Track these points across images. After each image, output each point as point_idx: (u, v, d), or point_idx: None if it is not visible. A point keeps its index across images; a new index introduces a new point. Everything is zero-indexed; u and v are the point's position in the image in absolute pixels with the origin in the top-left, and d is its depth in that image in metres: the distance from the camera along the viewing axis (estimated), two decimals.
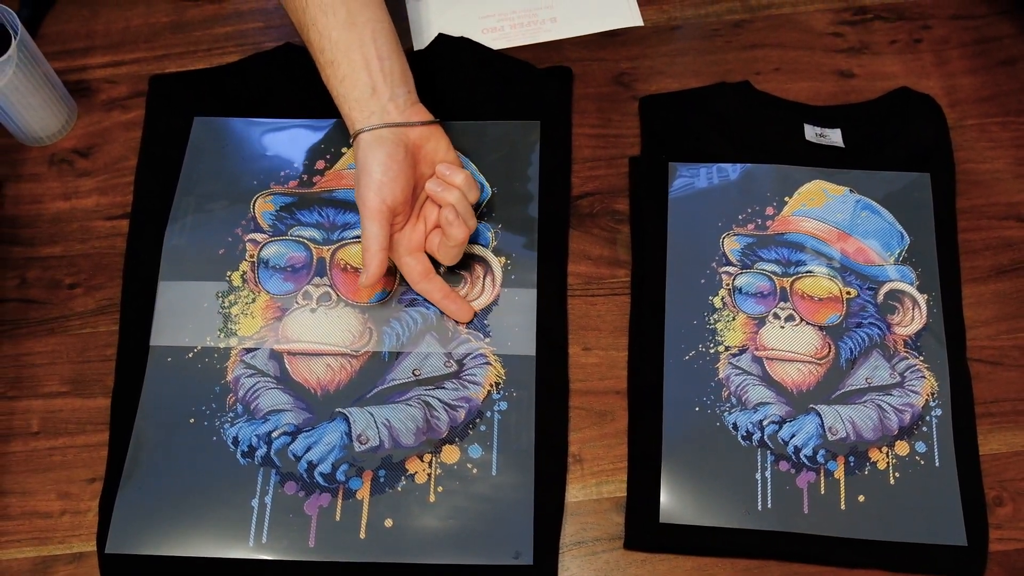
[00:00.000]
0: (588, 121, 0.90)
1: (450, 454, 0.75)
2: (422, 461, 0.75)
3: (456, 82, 0.90)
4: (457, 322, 0.79)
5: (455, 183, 0.75)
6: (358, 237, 0.83)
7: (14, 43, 0.79)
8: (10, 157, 0.89)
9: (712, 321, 0.79)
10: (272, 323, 0.80)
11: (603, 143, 0.89)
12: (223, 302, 0.81)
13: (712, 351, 0.78)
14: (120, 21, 0.97)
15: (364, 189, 0.72)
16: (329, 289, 0.81)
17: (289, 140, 0.87)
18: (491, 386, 0.77)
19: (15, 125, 0.86)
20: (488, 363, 0.78)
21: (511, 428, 0.76)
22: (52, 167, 0.89)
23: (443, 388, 0.77)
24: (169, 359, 0.79)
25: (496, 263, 0.82)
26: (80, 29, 0.96)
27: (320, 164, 0.86)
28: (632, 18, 0.96)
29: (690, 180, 0.85)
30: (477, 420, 0.76)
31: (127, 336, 0.80)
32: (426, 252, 0.78)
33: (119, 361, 0.80)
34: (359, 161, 0.73)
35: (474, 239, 0.82)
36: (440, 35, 0.93)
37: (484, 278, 0.81)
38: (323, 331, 0.79)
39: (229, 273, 0.82)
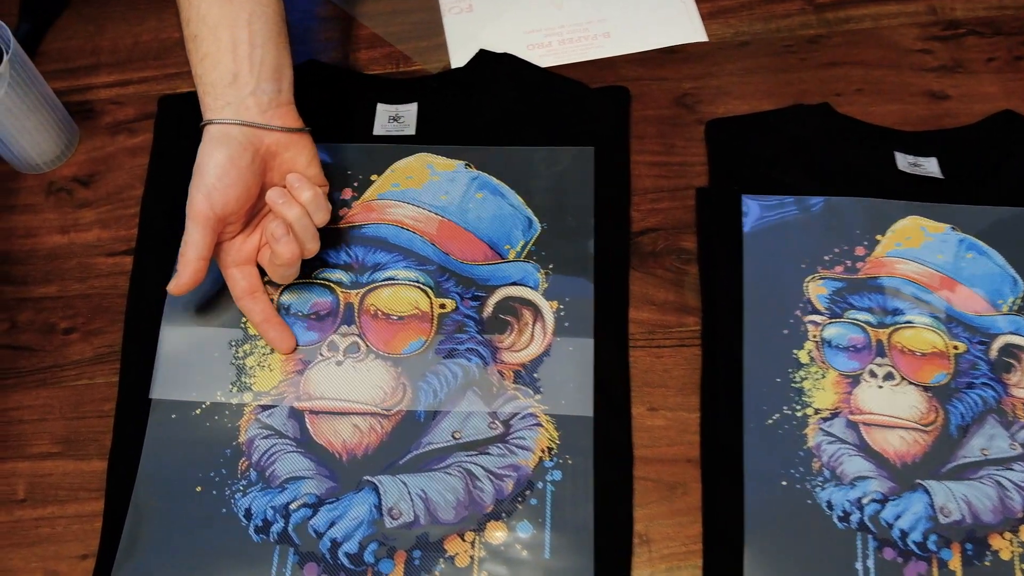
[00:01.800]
0: (648, 147, 0.81)
1: (496, 532, 0.65)
2: (463, 540, 0.65)
3: (499, 103, 0.81)
4: (503, 376, 0.69)
5: (300, 199, 0.67)
6: (392, 279, 0.74)
7: (5, 59, 0.71)
8: (3, 186, 0.81)
9: (798, 379, 0.69)
10: (292, 377, 0.71)
11: (666, 172, 0.80)
12: (237, 352, 0.72)
13: (799, 414, 0.68)
14: (128, 37, 0.89)
15: (193, 189, 0.65)
16: (358, 339, 0.72)
17: None
18: (543, 452, 0.68)
19: (8, 150, 0.78)
20: (539, 424, 0.69)
21: (566, 502, 0.66)
22: (49, 197, 0.81)
23: (487, 454, 0.68)
24: (174, 416, 0.70)
25: (547, 308, 0.72)
26: (85, 45, 0.89)
27: (347, 193, 0.78)
28: (695, 33, 0.87)
29: (766, 214, 0.75)
30: (527, 492, 0.67)
31: (127, 389, 0.72)
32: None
33: (117, 418, 0.71)
34: (198, 155, 0.66)
35: (522, 280, 0.73)
36: (481, 51, 0.84)
37: (533, 325, 0.72)
38: (350, 387, 0.70)
39: (244, 321, 0.73)
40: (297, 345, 0.72)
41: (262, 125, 0.66)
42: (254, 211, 0.70)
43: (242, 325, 0.73)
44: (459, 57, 0.86)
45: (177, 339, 0.72)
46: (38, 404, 0.73)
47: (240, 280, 0.70)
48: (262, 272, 0.72)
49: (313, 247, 0.69)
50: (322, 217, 0.69)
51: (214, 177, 0.65)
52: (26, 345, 0.75)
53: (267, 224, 0.67)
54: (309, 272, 0.75)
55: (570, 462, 0.68)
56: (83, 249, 0.79)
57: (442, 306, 0.73)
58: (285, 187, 0.68)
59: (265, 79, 0.66)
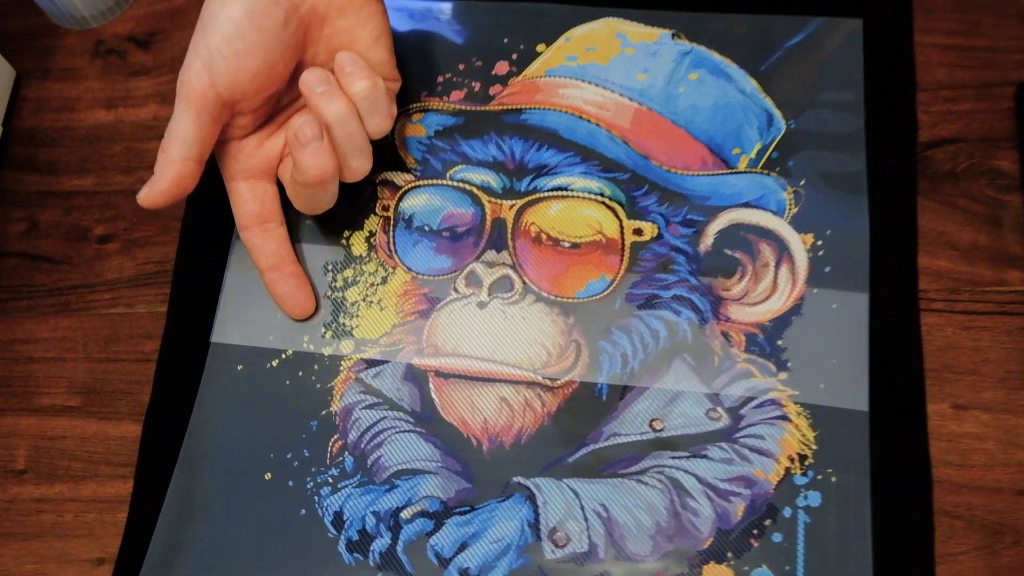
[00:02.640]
0: (941, 24, 0.56)
1: None
2: None
3: None
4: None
5: (350, 89, 0.45)
6: (564, 189, 0.50)
7: None
8: (38, 44, 0.60)
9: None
10: (413, 321, 0.48)
11: (968, 60, 0.55)
12: (335, 280, 0.49)
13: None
14: None
15: (191, 54, 0.44)
16: (511, 272, 0.48)
17: (455, 26, 0.55)
18: (791, 461, 0.44)
19: None
20: (785, 418, 0.45)
21: (829, 542, 0.42)
22: (95, 60, 0.59)
23: (705, 457, 0.44)
24: (240, 368, 0.48)
25: (798, 244, 0.48)
26: None
27: (502, 68, 0.54)
28: None
29: None
30: (767, 522, 0.43)
31: (179, 325, 0.50)
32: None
33: (162, 365, 0.49)
34: (205, 4, 0.45)
35: (759, 201, 0.49)
36: None
37: (776, 268, 0.48)
38: (498, 341, 0.47)
39: (347, 234, 0.50)
40: (317, 309, 0.49)
41: None
42: (281, 101, 0.48)
43: (344, 241, 0.51)
44: None
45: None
46: (55, 337, 0.52)
47: (248, 201, 0.48)
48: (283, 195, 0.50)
49: (359, 167, 0.46)
50: (379, 124, 0.46)
51: (222, 39, 0.43)
52: (47, 255, 0.54)
53: (293, 120, 0.44)
54: (442, 171, 0.51)
55: (834, 480, 0.44)
56: (134, 130, 0.57)
57: (637, 232, 0.49)
58: (332, 71, 0.45)
59: None
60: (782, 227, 0.49)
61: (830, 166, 0.50)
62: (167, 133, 0.45)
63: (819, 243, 0.48)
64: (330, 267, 0.51)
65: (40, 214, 0.56)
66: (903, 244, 0.49)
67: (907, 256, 0.49)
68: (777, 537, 0.43)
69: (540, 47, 0.55)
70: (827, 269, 0.48)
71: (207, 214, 0.52)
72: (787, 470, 0.44)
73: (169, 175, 0.44)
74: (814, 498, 0.44)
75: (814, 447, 0.44)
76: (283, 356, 0.49)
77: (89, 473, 0.49)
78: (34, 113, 0.59)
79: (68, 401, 0.50)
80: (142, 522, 0.46)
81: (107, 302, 0.53)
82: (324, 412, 0.47)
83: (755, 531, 0.43)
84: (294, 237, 0.51)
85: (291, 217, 0.51)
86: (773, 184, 0.50)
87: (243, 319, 0.50)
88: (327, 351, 0.49)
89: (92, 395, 0.50)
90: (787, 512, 0.43)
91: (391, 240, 0.51)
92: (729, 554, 0.43)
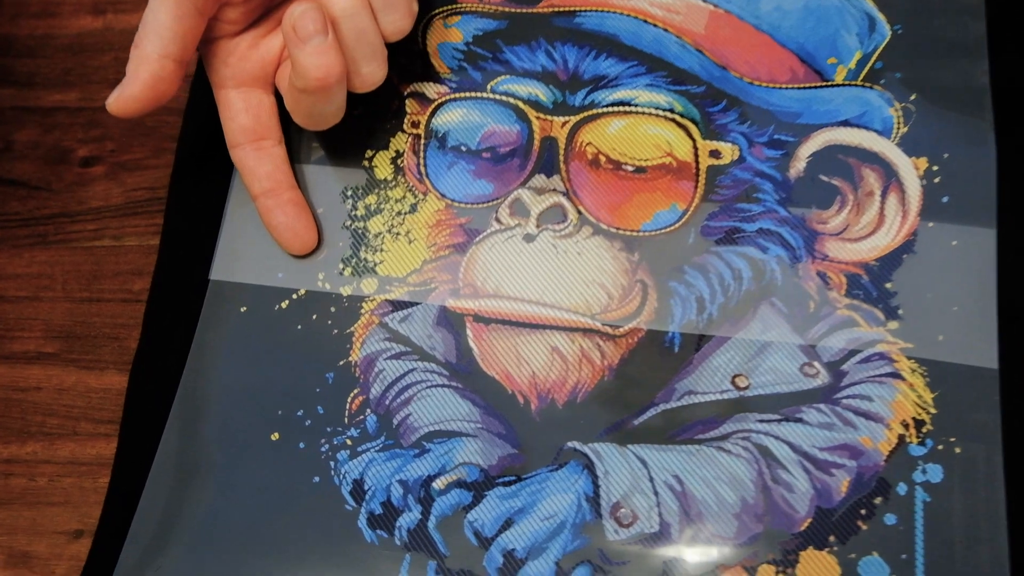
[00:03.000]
0: None
1: (814, 572, 0.34)
2: None
3: None
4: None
5: None
6: (626, 104, 0.42)
7: None
8: None
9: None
10: (448, 256, 0.40)
11: None
12: (354, 208, 0.42)
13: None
14: None
15: None
16: (564, 200, 0.41)
17: None
18: (906, 427, 0.36)
19: None
20: (897, 375, 0.37)
21: (955, 525, 0.35)
22: None
23: (800, 421, 0.37)
24: (244, 309, 0.40)
25: (909, 169, 0.40)
26: None
27: None
28: None
29: None
30: (877, 501, 0.35)
31: (172, 260, 0.43)
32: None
33: (152, 305, 0.42)
34: None
35: (860, 119, 0.41)
36: None
37: (883, 197, 0.40)
38: (548, 281, 0.40)
39: (370, 154, 0.42)
40: (320, 244, 0.42)
41: None
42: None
43: (367, 163, 0.43)
44: None
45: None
46: (30, 274, 0.45)
47: (240, 113, 0.41)
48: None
49: (371, 74, 0.39)
50: (396, 23, 0.39)
51: None
52: (22, 179, 0.47)
53: (292, 9, 0.36)
54: (482, 83, 0.44)
55: (958, 451, 0.36)
56: (124, 39, 0.50)
57: (715, 154, 0.41)
58: None
59: None
60: (889, 149, 0.41)
61: (946, 79, 0.42)
62: (141, 25, 0.37)
63: (934, 168, 0.40)
64: (349, 193, 0.43)
65: (15, 133, 0.48)
66: None
67: None
68: (890, 519, 0.35)
69: None
70: (945, 199, 0.40)
71: (207, 132, 0.45)
72: (901, 438, 0.37)
73: (143, 76, 0.37)
74: (934, 472, 0.36)
75: (933, 411, 0.37)
76: (294, 296, 0.41)
77: (67, 431, 0.41)
78: (11, 19, 0.51)
79: (44, 347, 0.43)
80: (127, 489, 0.39)
81: (91, 234, 0.45)
82: (342, 362, 0.40)
83: (863, 511, 0.36)
84: (306, 157, 0.43)
85: (304, 134, 0.43)
86: (877, 99, 0.42)
87: (248, 254, 0.42)
88: (346, 291, 0.41)
89: (71, 340, 0.43)
90: (902, 489, 0.36)
91: (421, 161, 0.43)
92: (832, 538, 0.35)
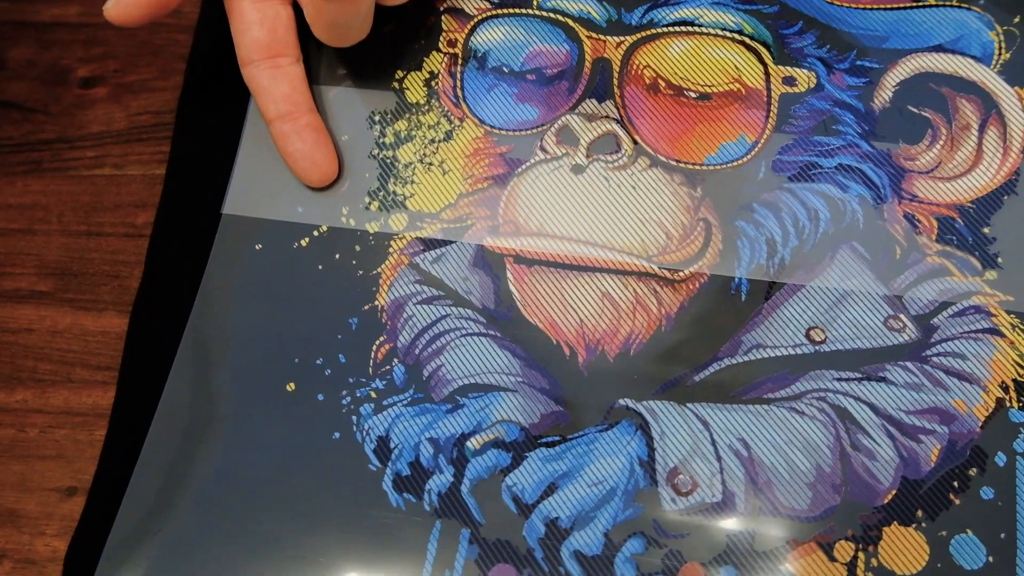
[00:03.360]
0: None
1: (899, 551, 0.30)
2: (831, 559, 0.30)
3: None
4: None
5: None
6: (689, 23, 0.38)
7: None
8: None
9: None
10: (486, 189, 0.36)
11: None
12: (382, 135, 0.38)
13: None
14: None
15: None
16: (618, 128, 0.36)
17: None
18: (1005, 390, 0.32)
19: None
20: (996, 331, 0.33)
21: None
22: None
23: (884, 381, 0.32)
24: (259, 247, 0.36)
25: (1012, 100, 0.36)
26: None
27: None
28: None
29: None
30: (971, 472, 0.31)
31: (180, 192, 0.39)
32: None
33: (156, 242, 0.38)
34: None
35: (956, 44, 0.36)
36: None
37: (981, 131, 0.35)
38: (599, 218, 0.35)
39: (400, 75, 0.38)
40: (340, 175, 0.37)
41: None
42: None
43: (396, 85, 0.39)
44: None
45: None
46: (23, 204, 0.41)
47: (253, 26, 0.37)
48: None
49: None
50: None
51: None
52: (16, 101, 0.43)
53: None
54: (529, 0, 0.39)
55: None
56: None
57: (789, 81, 0.37)
58: None
59: None
60: (989, 77, 0.36)
61: None
62: None
63: None
64: (377, 118, 0.39)
65: (9, 50, 0.44)
66: None
67: None
68: (987, 493, 0.31)
69: None
70: None
71: (220, 51, 0.40)
72: (999, 402, 0.32)
73: None
74: None
75: None
76: (315, 233, 0.37)
77: (60, 377, 0.38)
78: None
79: (37, 285, 0.39)
80: (126, 443, 0.35)
81: (91, 161, 0.41)
82: (367, 307, 0.36)
83: (955, 483, 0.32)
84: (327, 78, 0.39)
85: (326, 52, 0.39)
86: (976, 21, 0.37)
87: (264, 185, 0.38)
88: (372, 227, 0.37)
89: (67, 278, 0.39)
90: (1000, 459, 0.32)
91: (459, 84, 0.39)
92: (920, 513, 0.31)
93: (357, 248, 0.37)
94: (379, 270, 0.36)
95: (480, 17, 0.39)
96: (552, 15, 0.39)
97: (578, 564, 0.32)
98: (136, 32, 0.44)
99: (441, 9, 0.40)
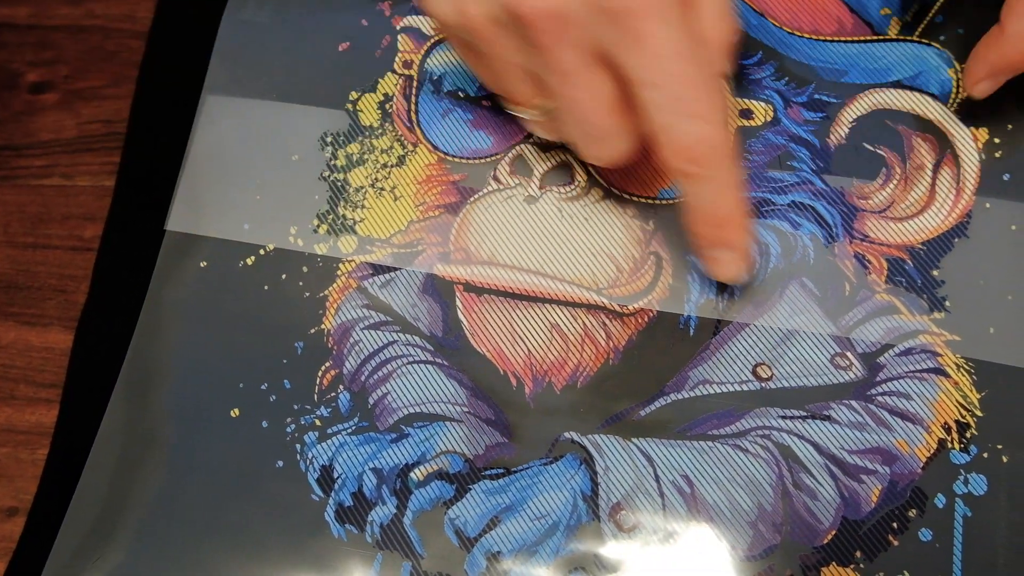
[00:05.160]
0: None
1: None
2: None
3: None
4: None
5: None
6: None
7: None
8: None
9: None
10: (438, 217, 0.37)
11: None
12: (334, 158, 0.38)
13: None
14: None
15: None
16: (572, 160, 0.37)
17: None
18: (948, 431, 0.33)
19: None
20: (941, 372, 0.34)
21: (998, 543, 0.32)
22: None
23: (828, 420, 0.33)
24: (204, 264, 0.37)
25: (967, 140, 0.36)
26: None
27: None
28: None
29: None
30: (911, 513, 0.32)
31: (129, 205, 0.39)
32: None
33: (103, 257, 0.38)
34: None
35: (914, 80, 0.37)
36: None
37: (935, 170, 0.36)
38: (550, 249, 0.36)
39: (354, 96, 0.38)
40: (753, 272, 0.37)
41: None
42: None
43: (350, 106, 0.39)
44: None
45: (227, 120, 0.39)
46: None
47: None
48: None
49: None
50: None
51: None
52: None
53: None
54: None
55: (1006, 460, 0.33)
56: None
57: (745, 113, 0.38)
58: None
59: None
60: (946, 117, 0.37)
61: None
62: None
63: (996, 141, 0.37)
64: (329, 139, 0.39)
65: None
66: None
67: None
68: (926, 534, 0.32)
69: None
70: (1006, 176, 0.36)
71: (173, 60, 0.40)
72: (941, 443, 0.33)
73: None
74: (978, 484, 0.33)
75: (979, 414, 0.33)
76: (261, 252, 0.38)
77: (3, 393, 0.38)
78: None
79: None
80: (67, 464, 0.36)
81: (38, 171, 0.42)
82: (313, 330, 0.36)
83: (895, 524, 0.33)
84: (281, 95, 0.39)
85: (278, 69, 0.39)
86: (936, 57, 0.38)
87: (210, 202, 0.38)
88: (321, 249, 0.37)
89: (12, 291, 0.40)
90: (940, 501, 0.33)
91: (413, 107, 0.39)
92: (858, 554, 0.32)
93: (304, 269, 0.37)
94: (326, 293, 0.37)
95: (437, 38, 0.40)
96: None
97: None
98: (88, 36, 0.44)
99: (398, 28, 0.40)
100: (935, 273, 0.35)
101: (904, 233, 0.36)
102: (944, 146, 0.37)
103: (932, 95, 0.38)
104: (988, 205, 0.36)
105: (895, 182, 0.37)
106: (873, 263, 0.36)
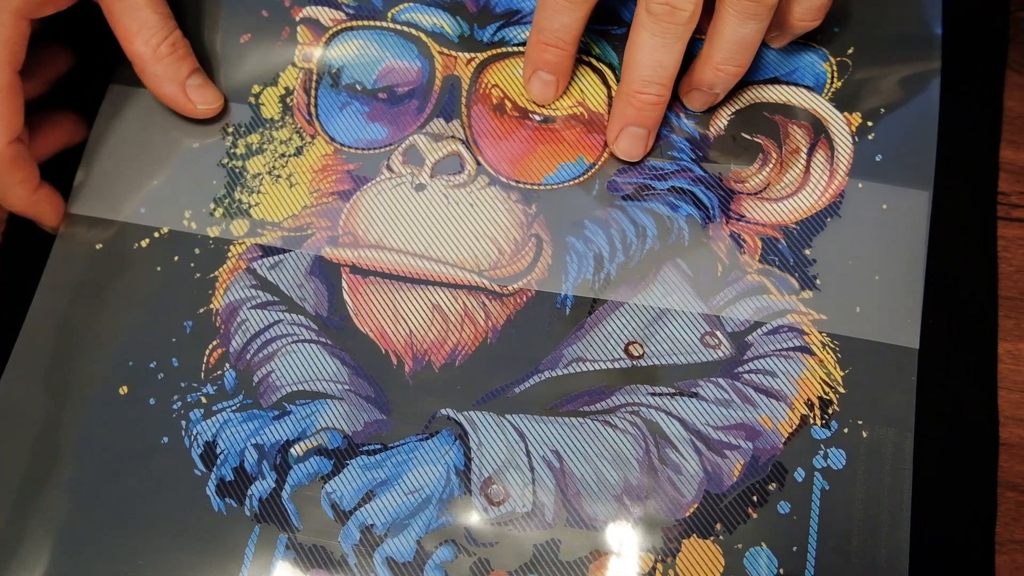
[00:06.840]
0: None
1: (696, 563, 0.32)
2: (629, 569, 0.32)
3: None
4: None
5: None
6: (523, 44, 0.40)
7: None
8: None
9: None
10: (329, 202, 0.38)
11: None
12: (234, 147, 0.40)
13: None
14: None
15: None
16: (462, 149, 0.39)
17: None
18: (810, 407, 0.34)
19: None
20: (806, 350, 0.35)
21: (854, 515, 0.33)
22: None
23: (695, 396, 0.35)
24: (99, 246, 0.38)
25: (840, 124, 0.38)
26: None
27: None
28: None
29: None
30: (771, 487, 0.33)
31: None
32: None
33: (5, 236, 0.40)
34: None
35: (790, 75, 0.39)
36: None
37: (809, 154, 0.37)
38: (435, 232, 0.37)
39: (256, 90, 0.40)
40: (225, 108, 0.40)
41: None
42: None
43: (252, 100, 0.41)
44: None
45: (130, 110, 0.41)
46: None
47: None
48: None
49: None
50: None
51: None
52: None
53: None
54: (383, 10, 0.41)
55: (865, 435, 0.34)
56: None
57: None
58: None
59: None
60: (820, 105, 0.39)
61: (889, 26, 0.40)
62: None
63: (869, 124, 0.38)
64: (231, 130, 0.41)
65: None
66: (982, 130, 0.39)
67: (986, 146, 0.39)
68: (784, 507, 0.34)
69: None
70: (878, 158, 0.38)
71: (79, 49, 0.42)
72: (803, 419, 0.35)
73: None
74: (837, 458, 0.34)
75: (842, 390, 0.35)
76: (156, 235, 0.39)
77: None
78: None
79: None
80: None
81: None
82: (202, 310, 0.38)
83: (755, 498, 0.34)
84: None
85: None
86: (811, 55, 0.40)
87: (109, 187, 0.40)
88: (214, 231, 0.39)
89: None
90: (799, 474, 0.34)
91: (312, 101, 0.41)
92: (718, 526, 0.33)
93: (196, 251, 0.39)
94: (216, 273, 0.38)
95: (335, 29, 0.42)
96: (406, 28, 0.41)
97: (389, 570, 0.34)
98: None
99: (297, 19, 0.42)
100: (807, 252, 0.37)
101: (779, 213, 0.37)
102: (819, 131, 0.38)
103: (807, 87, 0.39)
104: (860, 185, 0.37)
105: (771, 166, 0.38)
106: (748, 242, 0.37)
